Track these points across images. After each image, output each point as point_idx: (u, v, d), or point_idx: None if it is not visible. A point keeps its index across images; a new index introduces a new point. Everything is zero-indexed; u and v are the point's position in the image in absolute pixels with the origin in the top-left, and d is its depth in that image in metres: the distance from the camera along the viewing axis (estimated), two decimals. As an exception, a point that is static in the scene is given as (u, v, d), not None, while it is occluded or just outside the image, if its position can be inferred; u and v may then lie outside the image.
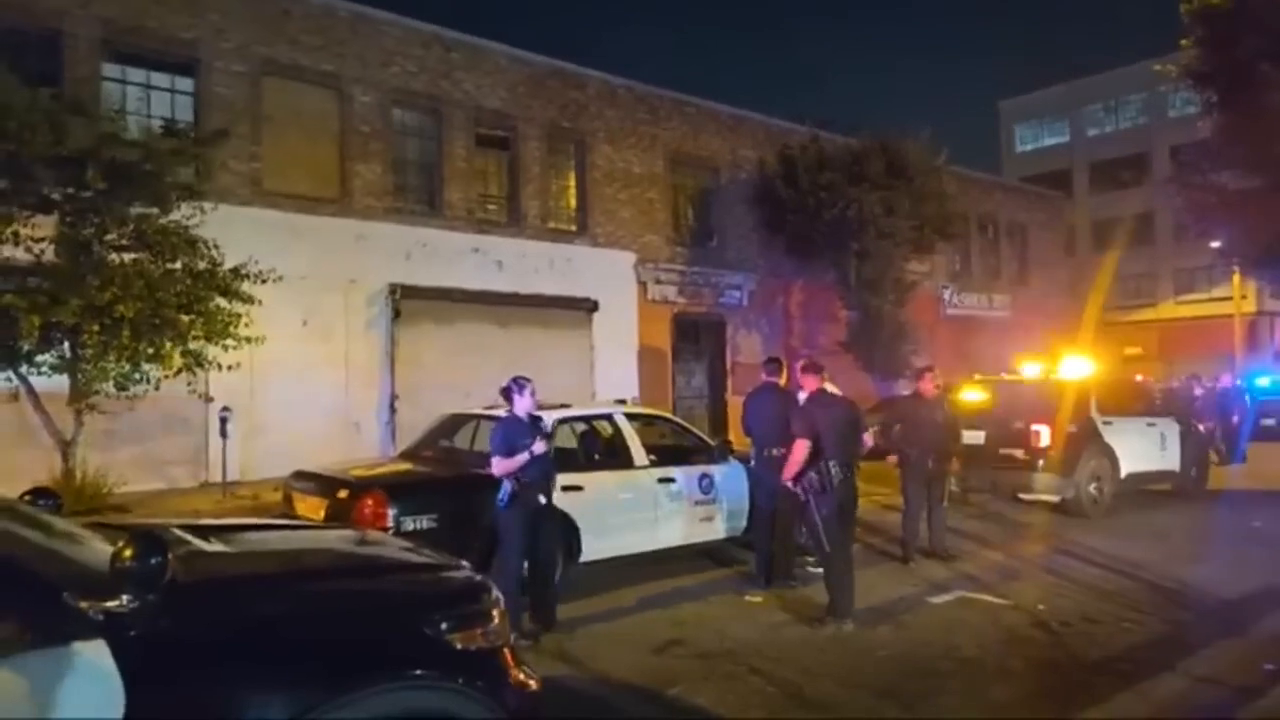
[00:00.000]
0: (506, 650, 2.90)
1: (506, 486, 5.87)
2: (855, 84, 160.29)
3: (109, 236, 9.77)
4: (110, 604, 2.16)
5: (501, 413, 6.71)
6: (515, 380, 6.13)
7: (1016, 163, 44.16)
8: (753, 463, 7.56)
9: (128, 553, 2.18)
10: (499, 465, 5.83)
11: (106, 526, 3.18)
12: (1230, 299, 31.78)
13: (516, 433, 5.92)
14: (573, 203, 18.20)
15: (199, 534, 3.02)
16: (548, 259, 17.14)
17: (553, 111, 17.70)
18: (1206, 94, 16.87)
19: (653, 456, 7.64)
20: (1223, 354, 30.45)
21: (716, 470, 7.88)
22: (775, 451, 7.28)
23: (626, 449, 7.49)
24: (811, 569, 7.59)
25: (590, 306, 17.51)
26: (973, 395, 11.41)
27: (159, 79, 13.41)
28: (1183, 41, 16.54)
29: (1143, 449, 11.51)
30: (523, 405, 6.08)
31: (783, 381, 7.72)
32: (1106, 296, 38.83)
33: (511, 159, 17.20)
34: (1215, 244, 20.22)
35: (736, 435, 8.65)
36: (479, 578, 3.15)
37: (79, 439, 10.06)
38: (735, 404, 19.73)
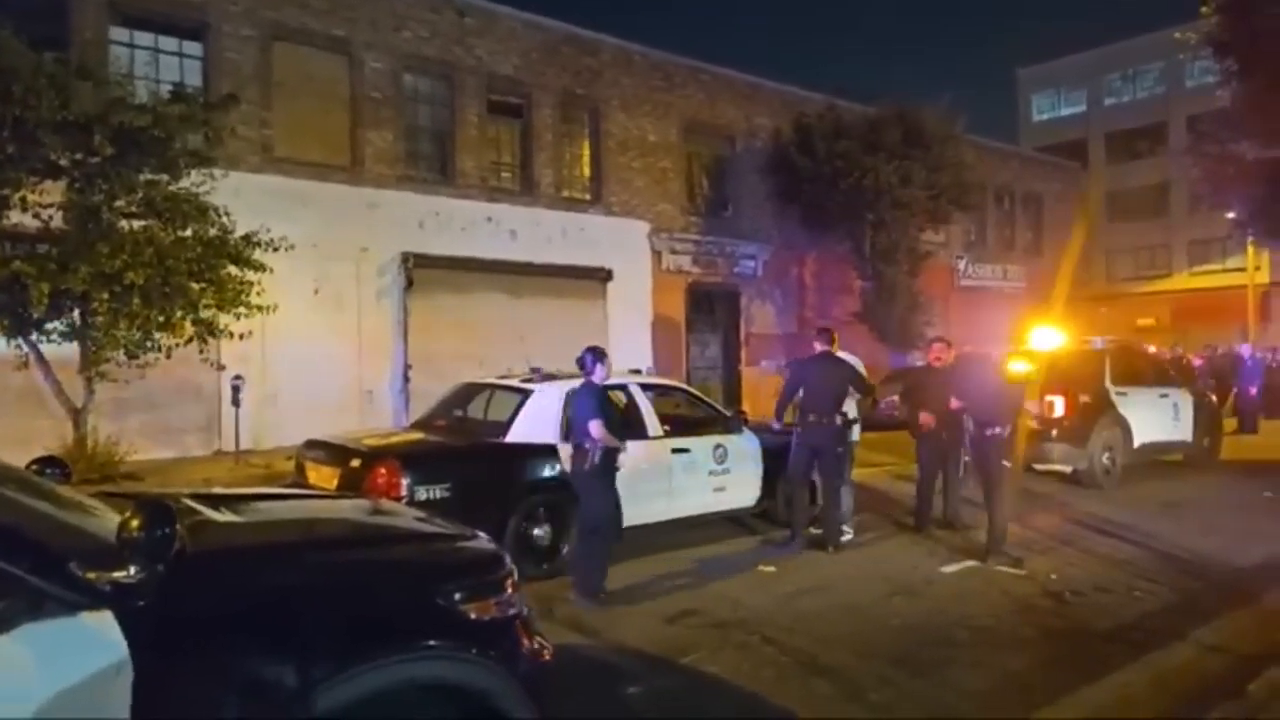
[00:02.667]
0: (520, 620, 2.89)
1: (598, 452, 6.01)
2: (874, 51, 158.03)
3: (118, 203, 9.72)
4: (117, 575, 2.13)
5: (531, 385, 6.98)
6: (592, 350, 6.31)
7: (1033, 132, 43.53)
8: (799, 429, 7.53)
9: (135, 523, 2.14)
10: (598, 430, 5.96)
11: (115, 496, 3.16)
12: (1244, 270, 31.40)
13: (601, 400, 6.17)
14: (587, 171, 18.04)
15: (209, 503, 3.00)
16: (561, 228, 17.03)
17: (566, 79, 17.48)
18: (1226, 62, 16.54)
19: (667, 427, 7.61)
20: (1236, 325, 30.18)
21: (730, 440, 7.85)
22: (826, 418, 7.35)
23: (641, 419, 7.45)
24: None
25: (604, 276, 17.42)
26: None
27: (167, 43, 13.29)
28: (1203, 9, 16.19)
29: (1156, 419, 11.43)
30: (600, 374, 6.26)
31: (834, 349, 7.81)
32: (1107, 269, 38.56)
33: (525, 127, 17.03)
34: (1231, 215, 19.92)
35: (751, 405, 8.63)
36: (492, 547, 3.13)
37: (90, 407, 10.11)
38: (750, 375, 19.82)
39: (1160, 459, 11.69)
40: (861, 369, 8.03)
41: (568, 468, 6.36)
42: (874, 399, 8.17)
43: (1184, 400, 12.02)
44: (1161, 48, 33.20)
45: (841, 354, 8.22)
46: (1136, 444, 11.01)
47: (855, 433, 8.00)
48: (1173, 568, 6.87)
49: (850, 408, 7.85)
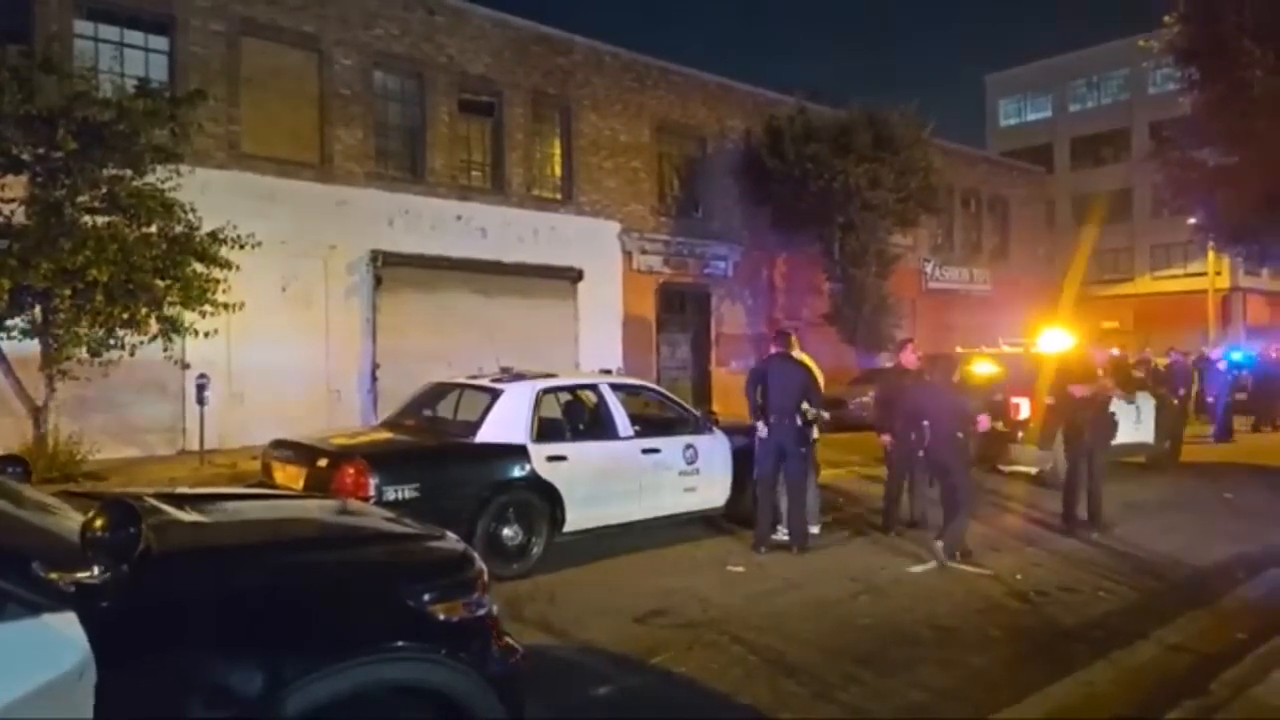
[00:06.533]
0: (490, 621, 2.88)
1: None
2: (844, 54, 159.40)
3: (81, 199, 9.57)
4: (81, 575, 2.09)
5: (502, 384, 7.14)
6: (947, 356, 7.58)
7: (1001, 136, 44.23)
8: (764, 432, 7.50)
9: (99, 522, 2.11)
10: (987, 422, 7.64)
11: (78, 495, 3.11)
12: (1205, 275, 32.14)
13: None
14: (558, 171, 18.01)
15: (174, 503, 2.95)
16: (532, 227, 16.98)
17: (537, 78, 17.44)
18: (1188, 70, 16.89)
19: (637, 427, 7.61)
20: (1197, 329, 30.89)
21: (700, 441, 7.87)
22: (788, 418, 7.41)
23: (611, 419, 7.45)
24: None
25: (575, 276, 17.40)
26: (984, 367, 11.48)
27: (133, 37, 13.07)
28: (1165, 18, 16.53)
29: (1119, 422, 11.60)
30: (955, 377, 7.60)
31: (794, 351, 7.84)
32: (1085, 271, 39.26)
33: (495, 125, 16.97)
34: (1192, 220, 20.35)
35: (722, 406, 8.66)
36: (461, 548, 3.11)
37: (51, 405, 9.92)
38: (719, 375, 19.92)
39: (1123, 460, 11.90)
40: (816, 372, 7.89)
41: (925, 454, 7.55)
42: (825, 405, 8.24)
43: (1146, 403, 12.25)
44: (1125, 55, 33.96)
45: (798, 355, 8.23)
46: (1100, 446, 11.18)
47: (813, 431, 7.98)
48: (1135, 568, 6.99)
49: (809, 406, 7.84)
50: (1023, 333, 13.39)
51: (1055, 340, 11.64)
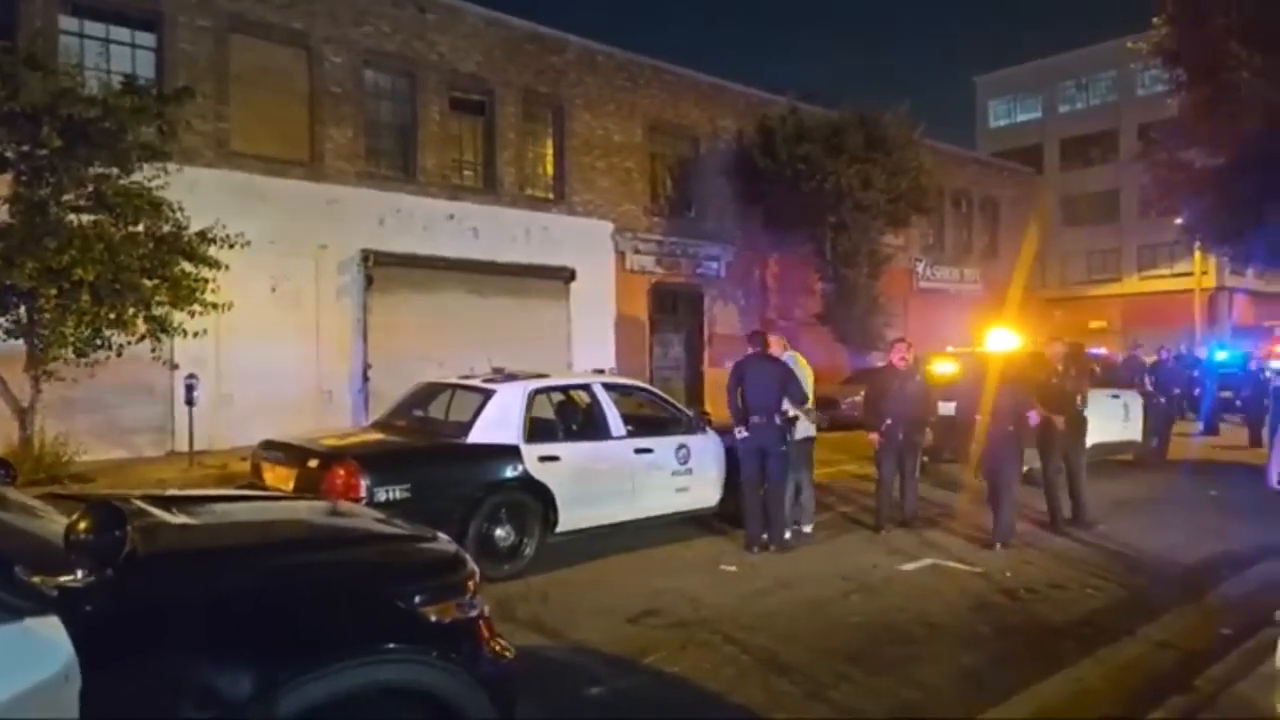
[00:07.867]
0: (482, 622, 2.86)
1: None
2: (835, 55, 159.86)
3: (66, 197, 9.50)
4: (65, 578, 2.07)
5: (494, 385, 7.04)
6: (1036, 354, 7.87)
7: (991, 137, 44.41)
8: (747, 432, 7.43)
9: (84, 525, 2.08)
10: (1036, 417, 7.86)
11: (63, 498, 3.07)
12: (1191, 274, 32.36)
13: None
14: (550, 170, 17.99)
15: (162, 505, 2.92)
16: (524, 227, 16.95)
17: (529, 77, 17.41)
18: (1175, 72, 16.98)
19: (630, 427, 7.60)
20: (1183, 328, 31.09)
21: (693, 441, 7.86)
22: (767, 417, 7.36)
23: (604, 419, 7.44)
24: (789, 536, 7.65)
25: (567, 276, 17.38)
26: (945, 367, 11.46)
27: (119, 33, 12.99)
28: (1154, 19, 16.63)
29: (1107, 420, 11.67)
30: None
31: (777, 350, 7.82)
32: (1061, 272, 39.47)
33: (487, 124, 16.93)
34: (1179, 220, 20.48)
35: (714, 406, 8.64)
36: (453, 549, 3.09)
37: (37, 406, 9.84)
38: (712, 375, 19.91)
39: (1111, 458, 11.97)
40: (799, 369, 7.78)
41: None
42: (816, 402, 8.22)
43: (1134, 401, 12.33)
44: (1114, 56, 34.21)
45: (789, 353, 8.18)
46: (1089, 444, 11.22)
47: (805, 429, 7.84)
48: (1123, 565, 7.05)
49: (789, 405, 7.82)
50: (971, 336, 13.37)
51: (1002, 340, 11.59)
